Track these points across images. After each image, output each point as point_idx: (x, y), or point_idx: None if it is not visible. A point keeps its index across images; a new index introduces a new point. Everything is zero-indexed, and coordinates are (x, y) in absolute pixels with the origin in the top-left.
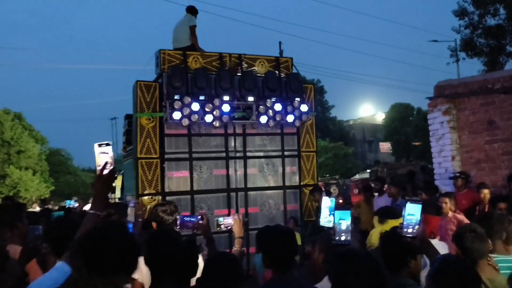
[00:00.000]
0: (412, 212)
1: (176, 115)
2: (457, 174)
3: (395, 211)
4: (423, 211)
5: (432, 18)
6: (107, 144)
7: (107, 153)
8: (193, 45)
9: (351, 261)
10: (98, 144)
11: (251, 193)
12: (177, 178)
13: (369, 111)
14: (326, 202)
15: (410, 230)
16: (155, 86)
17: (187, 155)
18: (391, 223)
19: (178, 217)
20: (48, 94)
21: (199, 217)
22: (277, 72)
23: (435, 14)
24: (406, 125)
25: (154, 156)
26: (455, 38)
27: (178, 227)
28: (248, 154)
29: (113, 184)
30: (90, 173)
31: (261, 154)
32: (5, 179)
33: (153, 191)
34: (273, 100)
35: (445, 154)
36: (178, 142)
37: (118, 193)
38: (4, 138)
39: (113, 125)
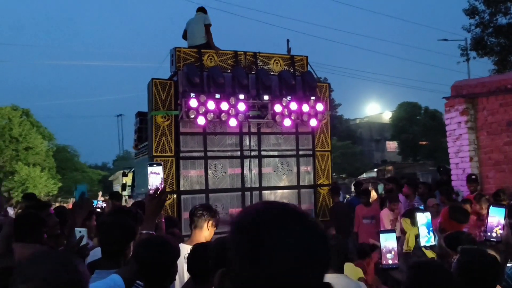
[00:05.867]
0: (495, 215)
1: (192, 114)
2: (473, 177)
3: (422, 210)
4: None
5: (442, 16)
6: (158, 164)
7: (158, 174)
8: (209, 43)
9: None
10: (149, 164)
11: (265, 192)
12: (192, 177)
13: (375, 109)
14: (422, 219)
15: (494, 234)
16: (170, 84)
17: (202, 154)
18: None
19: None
20: (54, 91)
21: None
22: (291, 70)
23: (444, 12)
24: (414, 124)
25: (169, 154)
26: (465, 37)
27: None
28: (263, 153)
29: (124, 182)
30: (96, 170)
31: (276, 153)
32: (13, 176)
33: (168, 190)
34: (288, 98)
35: (463, 155)
36: (193, 141)
37: (127, 191)
38: (13, 135)
39: (119, 122)
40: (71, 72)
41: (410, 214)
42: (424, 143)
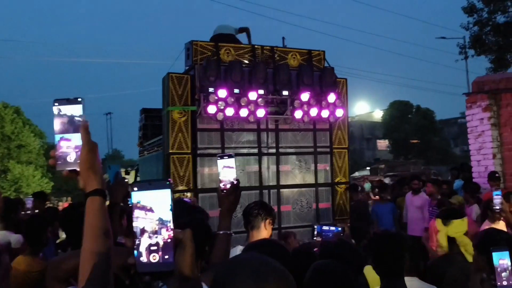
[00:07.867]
0: None
1: (211, 109)
2: (497, 175)
3: (457, 210)
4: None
5: (439, 14)
6: (230, 156)
7: (231, 167)
8: (234, 36)
9: None
10: (220, 156)
11: (283, 190)
12: (210, 175)
13: (364, 108)
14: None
15: None
16: (187, 79)
17: (219, 151)
18: (457, 224)
19: (316, 226)
20: (44, 88)
21: (340, 229)
22: (309, 65)
23: (442, 10)
24: (406, 123)
25: (186, 151)
26: (463, 35)
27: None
28: (281, 150)
29: (126, 180)
30: None
31: (293, 150)
32: (6, 174)
33: (185, 188)
34: (307, 94)
35: (485, 151)
36: (211, 137)
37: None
38: (5, 132)
39: (108, 120)
40: (61, 69)
41: (442, 215)
42: (415, 141)
